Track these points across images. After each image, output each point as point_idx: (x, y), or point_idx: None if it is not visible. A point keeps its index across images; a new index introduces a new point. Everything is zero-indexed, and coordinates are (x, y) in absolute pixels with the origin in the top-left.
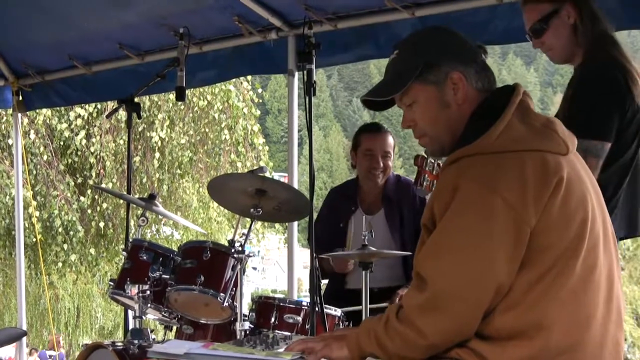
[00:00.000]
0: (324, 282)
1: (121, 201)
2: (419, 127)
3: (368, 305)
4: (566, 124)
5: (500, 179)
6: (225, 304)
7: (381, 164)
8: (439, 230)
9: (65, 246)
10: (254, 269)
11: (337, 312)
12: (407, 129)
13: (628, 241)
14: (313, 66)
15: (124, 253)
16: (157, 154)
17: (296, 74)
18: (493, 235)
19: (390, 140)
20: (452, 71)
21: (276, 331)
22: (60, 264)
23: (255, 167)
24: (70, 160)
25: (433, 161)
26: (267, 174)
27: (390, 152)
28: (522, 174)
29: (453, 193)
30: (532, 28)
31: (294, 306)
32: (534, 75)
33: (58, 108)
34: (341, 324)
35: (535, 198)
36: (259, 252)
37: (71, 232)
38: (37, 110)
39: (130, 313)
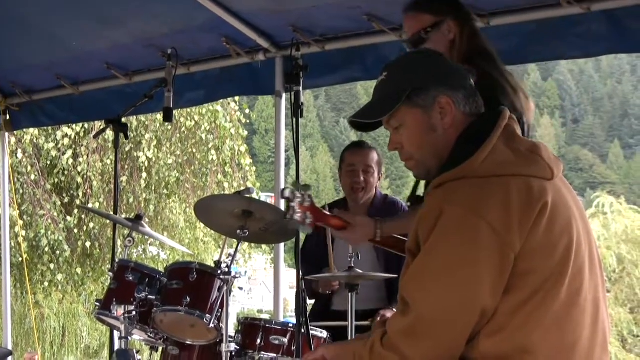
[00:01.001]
0: (310, 302)
1: (108, 221)
2: (405, 150)
3: (354, 326)
4: None
5: (484, 204)
6: (212, 325)
7: (362, 179)
8: (423, 255)
9: (51, 265)
10: (240, 289)
11: (323, 333)
12: (394, 151)
13: (614, 264)
14: (300, 88)
15: (110, 273)
16: (144, 174)
17: (284, 95)
18: (477, 260)
19: (374, 156)
20: (440, 95)
21: (262, 353)
22: (46, 283)
23: (242, 188)
24: (57, 180)
25: (303, 193)
26: (254, 195)
27: (372, 167)
28: (507, 199)
29: (437, 217)
30: (412, 38)
31: (280, 327)
32: None
33: (45, 127)
34: None
35: (520, 223)
36: (245, 272)
37: (57, 252)
38: (25, 130)
39: (116, 334)
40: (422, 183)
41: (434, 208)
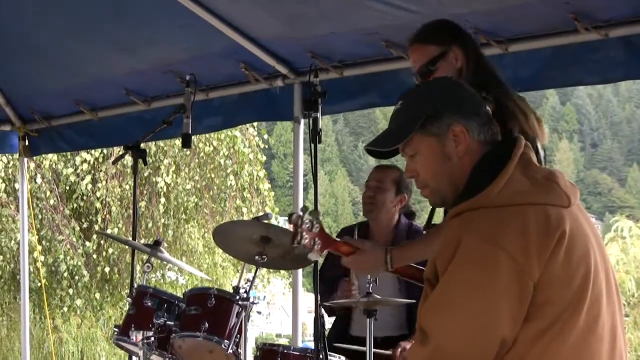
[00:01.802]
0: (328, 326)
1: (127, 246)
2: (421, 178)
3: (372, 353)
4: None
5: (502, 233)
6: (230, 350)
7: (372, 195)
8: (442, 285)
9: (70, 291)
10: (259, 313)
11: (341, 359)
12: (410, 178)
13: (633, 288)
14: (319, 114)
15: (129, 299)
16: (163, 199)
17: (302, 120)
18: (496, 290)
19: (391, 174)
20: (453, 123)
21: None
22: (65, 308)
23: (260, 214)
24: (75, 205)
25: (311, 219)
26: (273, 220)
27: (384, 183)
28: (525, 228)
29: (456, 247)
30: (420, 70)
31: (298, 353)
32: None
33: (64, 153)
34: None
35: (538, 252)
36: (264, 297)
37: (76, 277)
38: (44, 155)
39: (135, 359)
40: (438, 210)
41: (452, 238)
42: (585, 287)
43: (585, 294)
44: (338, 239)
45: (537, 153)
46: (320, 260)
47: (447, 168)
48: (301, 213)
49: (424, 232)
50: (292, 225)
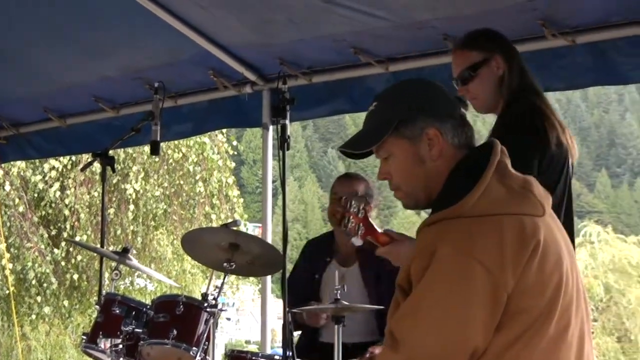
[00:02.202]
0: (297, 333)
1: (95, 254)
2: (394, 181)
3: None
4: None
5: (478, 244)
6: (198, 358)
7: (338, 209)
8: (416, 293)
9: (38, 298)
10: (228, 319)
11: None
12: (383, 180)
13: (601, 293)
14: (287, 121)
15: (97, 307)
16: (132, 206)
17: (270, 127)
18: (471, 301)
19: (359, 186)
20: (427, 127)
21: None
22: (33, 316)
23: (229, 221)
24: (44, 212)
25: (358, 204)
26: (242, 227)
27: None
28: (500, 239)
29: (431, 256)
30: (461, 75)
31: None
32: None
33: (33, 160)
34: None
35: (513, 263)
36: (233, 304)
37: (45, 284)
38: (12, 162)
39: None
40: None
41: (428, 246)
42: (557, 296)
43: (557, 303)
44: (380, 230)
45: (567, 166)
46: (358, 241)
47: (420, 171)
48: (348, 197)
49: (339, 226)
50: (340, 209)
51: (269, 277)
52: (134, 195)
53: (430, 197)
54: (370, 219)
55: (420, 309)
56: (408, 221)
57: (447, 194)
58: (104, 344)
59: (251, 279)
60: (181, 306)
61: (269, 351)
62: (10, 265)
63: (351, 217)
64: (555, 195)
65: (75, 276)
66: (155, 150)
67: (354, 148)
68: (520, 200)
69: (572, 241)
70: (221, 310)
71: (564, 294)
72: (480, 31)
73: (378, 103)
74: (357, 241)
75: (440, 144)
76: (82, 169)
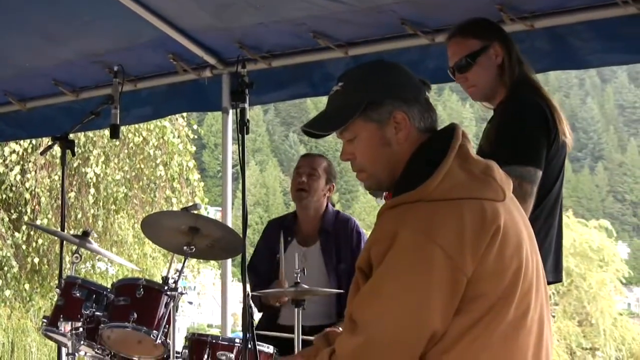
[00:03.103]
0: (258, 316)
1: (56, 237)
2: (357, 162)
3: (300, 342)
4: (494, 157)
5: (439, 228)
6: (159, 341)
7: (304, 180)
8: (376, 277)
9: None
10: (190, 303)
11: (269, 349)
12: (346, 161)
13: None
14: (246, 105)
15: (57, 290)
16: (92, 190)
17: (230, 111)
18: (430, 285)
19: (321, 162)
20: (395, 110)
21: None
22: None
23: (189, 204)
24: (4, 196)
25: None
26: (202, 211)
27: (317, 171)
28: (461, 224)
29: (392, 240)
30: (458, 63)
31: (226, 343)
32: (470, 111)
33: None
34: None
35: (473, 248)
36: (194, 287)
37: (5, 268)
38: None
39: (64, 350)
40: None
41: (389, 230)
42: (517, 281)
43: (516, 287)
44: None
45: (564, 155)
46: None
47: (385, 154)
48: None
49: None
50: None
51: (229, 261)
52: (94, 179)
53: (393, 180)
54: None
55: (380, 292)
56: (369, 205)
57: (408, 177)
58: (65, 327)
59: (212, 262)
60: (141, 289)
61: (229, 335)
62: None
63: None
64: (556, 185)
65: (36, 260)
66: (115, 134)
67: (319, 129)
68: (481, 185)
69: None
70: (181, 293)
71: (524, 279)
72: (478, 20)
73: (344, 84)
74: (381, 201)
75: (407, 128)
76: (42, 153)
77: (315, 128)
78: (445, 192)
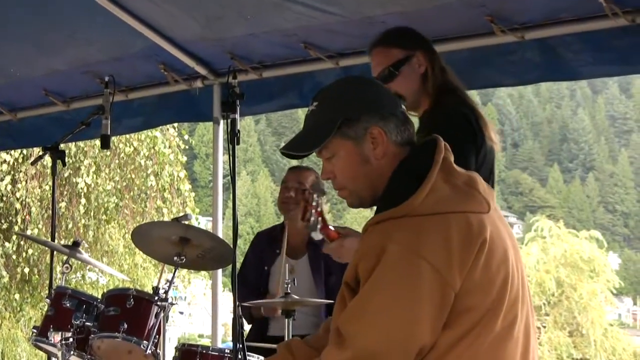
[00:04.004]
0: (248, 327)
1: (47, 247)
2: (338, 180)
3: None
4: None
5: (426, 243)
6: (149, 351)
7: (292, 195)
8: (364, 292)
9: None
10: (181, 313)
11: (259, 359)
12: (327, 180)
13: (553, 287)
14: (237, 116)
15: (48, 300)
16: (83, 200)
17: (221, 121)
18: (418, 299)
19: (309, 176)
20: (371, 126)
21: None
22: None
23: (180, 214)
24: None
25: (317, 198)
26: (193, 221)
27: (303, 185)
28: (447, 237)
29: (379, 255)
30: (382, 74)
31: (216, 354)
32: None
33: None
34: None
35: (460, 261)
36: (185, 297)
37: None
38: None
39: None
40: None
41: (376, 245)
42: (504, 293)
43: (504, 299)
44: (331, 226)
45: (494, 162)
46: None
47: (365, 171)
48: (312, 191)
49: (301, 220)
50: (303, 202)
51: (219, 271)
52: (85, 189)
53: (375, 196)
54: (324, 214)
55: (368, 307)
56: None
57: (392, 192)
58: (55, 337)
59: (203, 272)
60: (131, 300)
61: (220, 345)
62: None
63: (313, 210)
64: None
65: (27, 270)
66: (105, 144)
67: (296, 150)
68: (465, 198)
69: None
70: (172, 303)
71: (510, 290)
72: (400, 29)
73: (319, 103)
74: (317, 235)
75: (384, 143)
76: (33, 163)
77: (293, 149)
78: (430, 207)
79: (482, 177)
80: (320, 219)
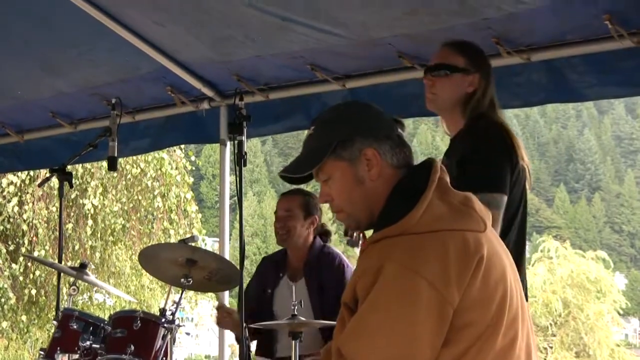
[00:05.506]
0: (254, 348)
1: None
2: (335, 203)
3: None
4: (459, 186)
5: (423, 261)
6: None
7: (282, 224)
8: (363, 311)
9: None
10: (188, 334)
11: None
12: (325, 203)
13: (560, 308)
14: (244, 137)
15: (55, 322)
16: (90, 221)
17: (228, 143)
18: (417, 317)
19: (296, 199)
20: (365, 148)
21: None
22: None
23: (187, 236)
24: (2, 227)
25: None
26: (200, 242)
27: (292, 211)
28: (445, 255)
29: (377, 274)
30: (437, 66)
31: None
32: None
33: None
34: None
35: (458, 278)
36: (192, 318)
37: (2, 299)
38: None
39: None
40: None
41: (373, 264)
42: (503, 309)
43: (503, 315)
44: None
45: (529, 179)
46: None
47: (361, 192)
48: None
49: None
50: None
51: (226, 292)
52: (92, 211)
53: (371, 218)
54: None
55: (367, 326)
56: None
57: (389, 212)
58: (62, 359)
59: (210, 294)
60: (138, 321)
61: None
62: None
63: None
64: (518, 211)
65: (34, 291)
66: (112, 166)
67: (293, 172)
68: (462, 217)
69: (523, 256)
70: (179, 325)
71: (509, 307)
72: (476, 47)
73: (316, 127)
74: (358, 251)
75: (378, 164)
76: (40, 184)
77: (290, 172)
78: (427, 225)
79: (514, 197)
80: (361, 235)
